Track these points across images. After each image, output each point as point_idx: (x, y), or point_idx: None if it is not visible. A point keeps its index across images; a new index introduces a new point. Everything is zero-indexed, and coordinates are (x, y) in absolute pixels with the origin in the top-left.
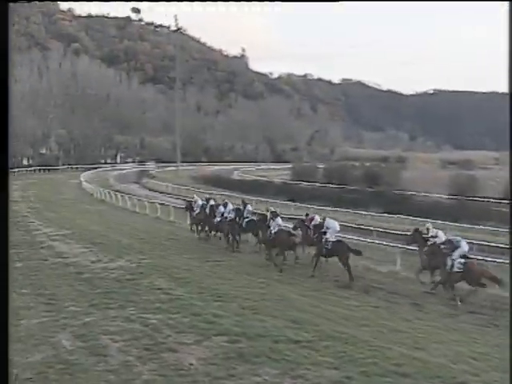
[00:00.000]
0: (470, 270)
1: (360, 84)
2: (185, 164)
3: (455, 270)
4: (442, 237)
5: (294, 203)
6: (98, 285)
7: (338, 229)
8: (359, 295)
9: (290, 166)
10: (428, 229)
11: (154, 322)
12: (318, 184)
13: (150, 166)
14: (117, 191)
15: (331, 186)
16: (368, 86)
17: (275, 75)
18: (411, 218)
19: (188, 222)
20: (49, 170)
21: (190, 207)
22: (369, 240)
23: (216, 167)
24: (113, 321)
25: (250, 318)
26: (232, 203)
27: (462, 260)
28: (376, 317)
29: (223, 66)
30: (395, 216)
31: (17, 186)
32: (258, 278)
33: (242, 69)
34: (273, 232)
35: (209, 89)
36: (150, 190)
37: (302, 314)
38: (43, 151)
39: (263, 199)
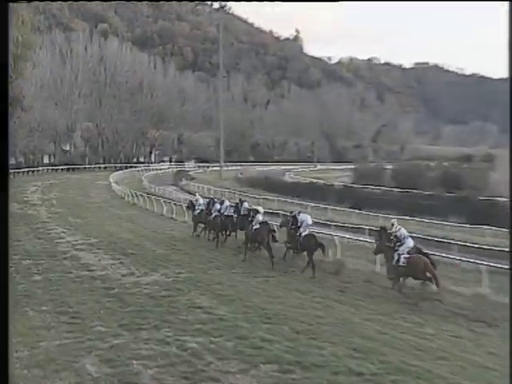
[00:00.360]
0: (412, 264)
1: (437, 68)
2: (229, 164)
3: (400, 264)
4: (404, 233)
5: (356, 211)
6: (128, 302)
7: (310, 222)
8: (436, 322)
9: (351, 166)
10: (393, 224)
11: (193, 345)
12: (385, 188)
13: (189, 165)
14: (151, 194)
15: (401, 190)
16: (447, 71)
17: (334, 60)
18: (503, 229)
19: (190, 220)
20: (73, 169)
21: (191, 206)
22: (450, 256)
23: (265, 167)
24: (145, 343)
25: (305, 343)
26: (263, 208)
27: (407, 255)
28: (456, 349)
29: (274, 50)
30: (481, 227)
31: (36, 188)
32: (313, 297)
33: (296, 53)
34: (254, 228)
35: (257, 76)
36: (189, 193)
37: (365, 342)
38: (67, 148)
39: (321, 205)
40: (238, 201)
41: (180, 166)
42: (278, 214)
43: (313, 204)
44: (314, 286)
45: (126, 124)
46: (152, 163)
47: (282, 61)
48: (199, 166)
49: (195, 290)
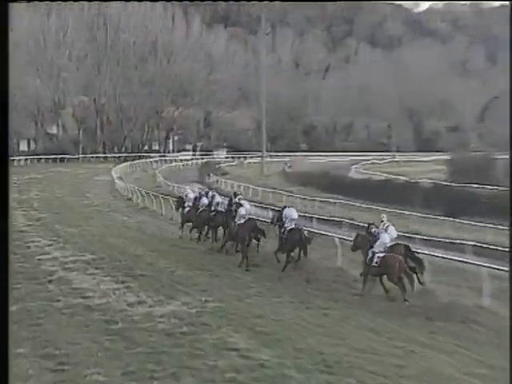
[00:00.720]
0: (386, 263)
1: None
2: (274, 154)
3: (373, 263)
4: (392, 232)
5: (451, 219)
6: (137, 341)
7: (295, 216)
8: None
9: (445, 157)
10: (382, 221)
11: None
12: (496, 187)
13: (220, 156)
14: (167, 195)
15: None
16: None
17: (422, 7)
18: None
19: (180, 222)
20: (62, 159)
21: (181, 204)
22: None
23: (322, 159)
24: None
25: None
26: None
27: (381, 254)
28: None
29: None
30: None
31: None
32: (390, 339)
33: None
34: (237, 224)
35: (313, 33)
36: (220, 194)
37: None
38: (53, 131)
39: (401, 211)
40: (232, 194)
41: (207, 157)
42: (339, 224)
43: (389, 209)
44: (392, 322)
45: (133, 99)
46: (169, 152)
47: (347, 12)
48: (233, 157)
49: (227, 326)
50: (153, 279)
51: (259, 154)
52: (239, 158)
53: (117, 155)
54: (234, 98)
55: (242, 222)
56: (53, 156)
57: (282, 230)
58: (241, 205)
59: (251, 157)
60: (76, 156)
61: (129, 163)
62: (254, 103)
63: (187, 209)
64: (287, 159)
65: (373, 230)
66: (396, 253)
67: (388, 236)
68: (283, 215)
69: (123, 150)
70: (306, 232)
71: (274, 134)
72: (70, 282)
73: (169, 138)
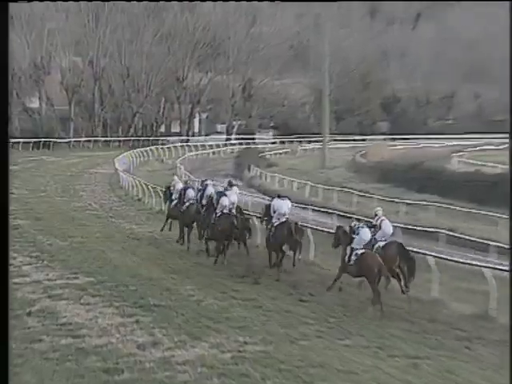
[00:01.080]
0: (362, 263)
1: None
2: (339, 137)
3: (351, 262)
4: (386, 228)
5: None
6: None
7: (284, 211)
8: None
9: None
10: (376, 214)
11: None
12: None
13: (264, 140)
14: None
15: None
16: None
17: None
18: None
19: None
20: (46, 144)
21: (168, 196)
22: None
23: (410, 144)
24: None
25: None
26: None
27: (359, 251)
28: None
29: None
30: None
31: None
32: None
33: None
34: (217, 216)
35: None
36: (263, 193)
37: None
38: (34, 104)
39: None
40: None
41: (247, 142)
42: (434, 236)
43: (507, 215)
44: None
45: (145, 61)
46: (194, 136)
47: None
48: (282, 142)
49: (275, 378)
50: (171, 311)
51: (319, 137)
52: (291, 142)
53: (122, 139)
54: (284, 60)
55: (220, 215)
56: (33, 139)
57: (269, 227)
58: (223, 194)
59: (308, 141)
60: (66, 140)
61: (139, 150)
62: (312, 66)
63: (174, 202)
64: (360, 145)
65: (352, 224)
66: (389, 252)
67: (369, 232)
68: (271, 208)
69: (131, 131)
70: (299, 225)
71: (340, 109)
72: (57, 314)
73: (194, 116)
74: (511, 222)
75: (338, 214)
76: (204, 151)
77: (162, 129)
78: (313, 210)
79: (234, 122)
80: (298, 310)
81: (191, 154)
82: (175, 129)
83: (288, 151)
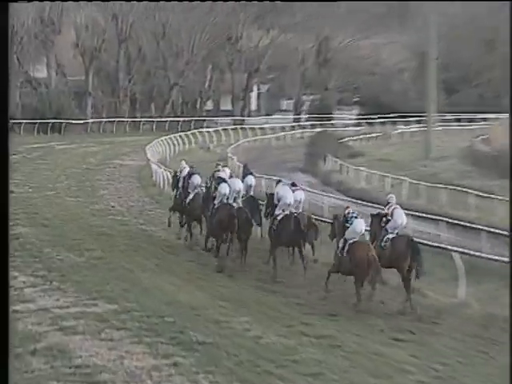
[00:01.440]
0: (352, 256)
1: None
2: (449, 117)
3: (344, 255)
4: (398, 218)
5: None
6: None
7: (289, 201)
8: None
9: None
10: (388, 202)
11: None
12: None
13: (346, 121)
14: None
15: None
16: None
17: None
18: None
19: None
20: (56, 127)
21: (175, 183)
22: None
23: None
24: None
25: None
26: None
27: (352, 241)
28: None
29: None
30: None
31: None
32: None
33: None
34: (215, 207)
35: None
36: (346, 194)
37: None
38: (41, 74)
39: None
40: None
41: (323, 124)
42: None
43: None
44: None
45: (185, 15)
46: (251, 115)
47: None
48: (370, 123)
49: None
50: (221, 352)
51: (423, 116)
52: (383, 124)
53: (155, 120)
54: (374, 12)
55: (219, 205)
56: (39, 120)
57: (272, 220)
58: (223, 180)
59: (406, 122)
60: (81, 121)
61: (177, 135)
62: (411, 21)
63: (179, 191)
64: (479, 127)
65: (346, 212)
66: (398, 247)
67: (362, 222)
68: (275, 198)
69: (167, 110)
70: (312, 220)
71: (452, 77)
72: (71, 353)
73: (251, 90)
74: (511, 214)
75: (447, 222)
76: (264, 136)
77: (209, 106)
78: (411, 215)
79: (305, 97)
80: (400, 353)
81: (247, 139)
82: (226, 106)
83: (378, 136)
